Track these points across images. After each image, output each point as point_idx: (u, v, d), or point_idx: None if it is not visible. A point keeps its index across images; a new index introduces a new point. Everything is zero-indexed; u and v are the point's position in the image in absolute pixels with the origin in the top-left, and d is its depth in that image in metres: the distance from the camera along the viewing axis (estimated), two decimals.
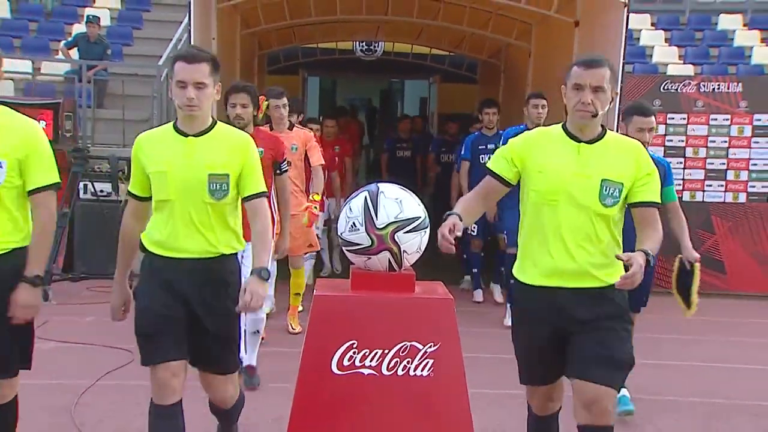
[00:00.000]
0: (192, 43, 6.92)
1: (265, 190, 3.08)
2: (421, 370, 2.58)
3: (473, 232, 6.92)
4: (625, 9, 6.90)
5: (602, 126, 2.96)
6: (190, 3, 6.87)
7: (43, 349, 4.52)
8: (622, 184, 2.79)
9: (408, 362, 2.59)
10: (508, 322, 5.49)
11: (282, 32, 10.65)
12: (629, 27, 7.27)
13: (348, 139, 9.32)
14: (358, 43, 11.99)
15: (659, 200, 2.94)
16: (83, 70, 9.35)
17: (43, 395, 4.29)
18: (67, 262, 8.07)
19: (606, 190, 2.79)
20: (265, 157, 4.18)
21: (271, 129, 5.37)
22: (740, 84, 8.43)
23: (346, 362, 2.60)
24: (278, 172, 4.68)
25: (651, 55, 12.17)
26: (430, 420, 2.64)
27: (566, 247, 2.78)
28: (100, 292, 6.84)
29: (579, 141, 2.85)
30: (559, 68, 6.40)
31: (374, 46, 12.05)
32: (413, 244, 2.94)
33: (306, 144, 5.71)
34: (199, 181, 2.89)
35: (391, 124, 13.46)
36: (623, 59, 6.96)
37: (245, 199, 3.01)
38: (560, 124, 3.01)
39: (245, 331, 4.45)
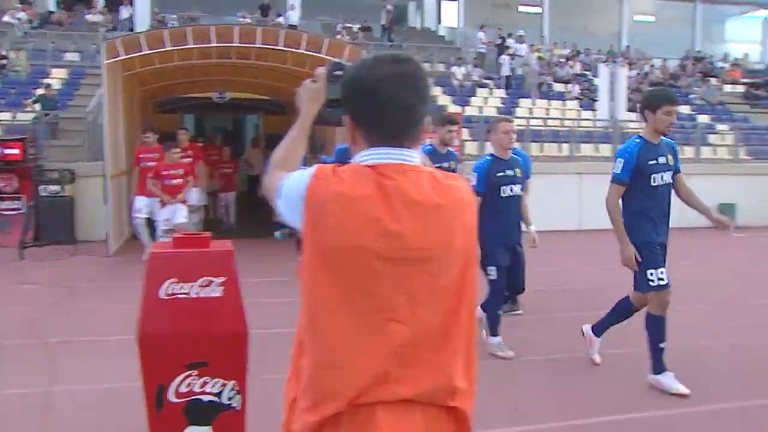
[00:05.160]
0: (105, 98, 11.20)
1: None
2: (215, 293, 3.17)
3: None
4: None
5: None
6: (102, 74, 11.07)
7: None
8: None
9: (207, 289, 3.15)
10: None
11: (165, 87, 16.05)
12: None
13: (201, 153, 13.31)
14: (214, 93, 18.18)
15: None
16: (42, 117, 14.57)
17: None
18: (35, 235, 11.54)
19: None
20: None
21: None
22: (429, 116, 15.74)
23: (170, 291, 3.15)
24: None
25: None
26: (222, 322, 3.18)
27: None
28: (54, 252, 10.87)
29: None
30: None
31: (224, 95, 18.27)
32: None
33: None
34: None
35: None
36: None
37: None
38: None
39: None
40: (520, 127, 17.41)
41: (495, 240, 5.76)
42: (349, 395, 1.53)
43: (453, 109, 18.46)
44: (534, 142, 17.42)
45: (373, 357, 1.55)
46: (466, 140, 16.85)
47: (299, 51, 12.13)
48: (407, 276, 1.58)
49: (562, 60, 24.82)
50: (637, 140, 5.19)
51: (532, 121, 18.56)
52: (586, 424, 4.59)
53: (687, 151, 18.74)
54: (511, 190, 5.91)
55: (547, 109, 20.39)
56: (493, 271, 5.85)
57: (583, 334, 5.80)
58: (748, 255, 12.82)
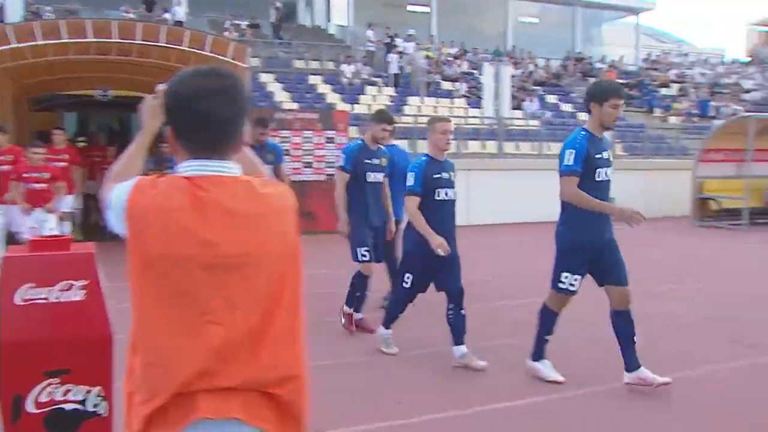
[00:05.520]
0: None
1: None
2: (76, 297, 3.05)
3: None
4: (249, 71, 12.38)
5: None
6: None
7: None
8: None
9: (68, 293, 3.03)
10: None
11: (42, 83, 15.39)
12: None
13: (78, 156, 12.19)
14: (97, 90, 17.27)
15: None
16: None
17: None
18: None
19: None
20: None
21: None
22: (317, 114, 15.28)
23: (26, 296, 3.00)
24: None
25: (273, 96, 19.12)
26: (84, 326, 3.08)
27: None
28: None
29: None
30: None
31: (107, 93, 17.47)
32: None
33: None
34: None
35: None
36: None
37: None
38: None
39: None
40: (408, 125, 17.67)
41: (424, 247, 5.44)
42: (172, 390, 1.67)
43: (342, 107, 18.51)
44: (422, 139, 17.66)
45: (195, 356, 1.68)
46: (355, 138, 16.90)
47: (182, 48, 11.84)
48: (224, 281, 1.71)
49: (450, 59, 25.31)
50: (583, 132, 4.96)
51: (421, 119, 18.83)
52: (465, 414, 4.70)
53: None
54: (446, 194, 5.62)
55: (435, 107, 20.73)
56: (409, 279, 5.65)
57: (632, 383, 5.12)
58: (626, 247, 13.43)
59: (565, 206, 5.03)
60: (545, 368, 5.29)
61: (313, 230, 12.36)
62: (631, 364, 5.06)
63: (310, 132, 14.31)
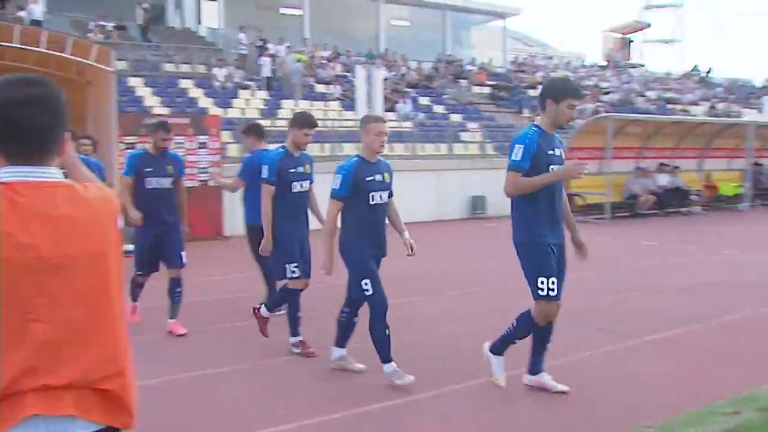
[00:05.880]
0: None
1: None
2: None
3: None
4: (114, 75, 11.93)
5: None
6: None
7: None
8: None
9: None
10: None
11: None
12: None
13: None
14: None
15: None
16: None
17: None
18: None
19: None
20: None
21: None
22: (189, 118, 14.98)
23: None
24: None
25: (142, 101, 18.44)
26: None
27: None
28: None
29: None
30: (77, 118, 10.33)
31: None
32: None
33: None
34: None
35: None
36: (116, 106, 12.13)
37: None
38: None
39: None
40: (282, 129, 17.53)
41: (362, 252, 5.22)
42: (1, 387, 1.72)
43: (214, 111, 18.14)
44: None
45: (21, 353, 1.74)
46: (228, 142, 16.62)
47: (39, 50, 11.25)
48: (46, 282, 1.79)
49: (324, 61, 25.32)
50: (535, 128, 4.79)
51: None
52: (332, 419, 4.71)
53: (442, 148, 19.94)
54: (380, 197, 5.31)
55: (310, 110, 20.66)
56: (367, 284, 5.18)
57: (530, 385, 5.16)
58: (495, 243, 13.86)
59: (514, 208, 4.87)
60: (497, 365, 5.12)
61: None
62: (535, 369, 5.08)
63: (182, 137, 13.79)
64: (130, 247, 6.93)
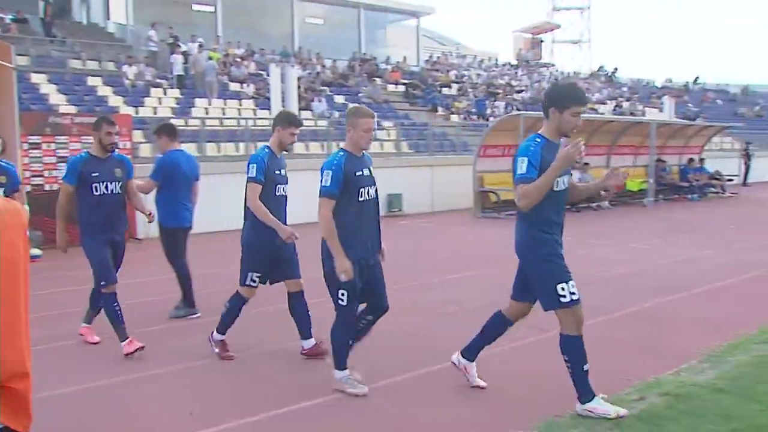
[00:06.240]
0: None
1: None
2: None
3: None
4: (14, 71, 11.35)
5: None
6: None
7: None
8: None
9: None
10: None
11: None
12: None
13: None
14: None
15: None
16: None
17: None
18: None
19: None
20: None
21: None
22: (98, 118, 14.72)
23: None
24: None
25: (47, 99, 17.79)
26: None
27: None
28: None
29: None
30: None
31: None
32: None
33: None
34: None
35: None
36: (18, 104, 11.57)
37: None
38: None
39: None
40: (195, 128, 17.24)
41: (350, 257, 4.90)
42: None
43: (125, 110, 17.68)
44: (211, 142, 17.33)
45: None
46: (140, 142, 16.21)
47: None
48: None
49: (238, 60, 25.00)
50: (538, 139, 4.53)
51: (209, 121, 18.45)
52: (250, 421, 4.69)
53: None
54: (368, 193, 5.03)
55: (224, 109, 20.40)
56: (344, 294, 4.94)
57: (456, 365, 5.22)
58: (411, 239, 14.01)
59: (523, 218, 4.61)
60: (602, 404, 4.59)
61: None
62: (471, 354, 5.18)
63: (90, 138, 13.36)
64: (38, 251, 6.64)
